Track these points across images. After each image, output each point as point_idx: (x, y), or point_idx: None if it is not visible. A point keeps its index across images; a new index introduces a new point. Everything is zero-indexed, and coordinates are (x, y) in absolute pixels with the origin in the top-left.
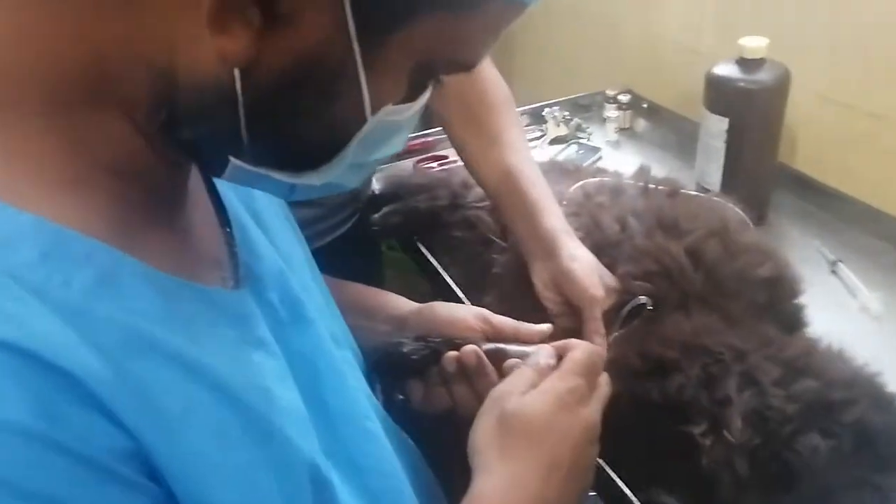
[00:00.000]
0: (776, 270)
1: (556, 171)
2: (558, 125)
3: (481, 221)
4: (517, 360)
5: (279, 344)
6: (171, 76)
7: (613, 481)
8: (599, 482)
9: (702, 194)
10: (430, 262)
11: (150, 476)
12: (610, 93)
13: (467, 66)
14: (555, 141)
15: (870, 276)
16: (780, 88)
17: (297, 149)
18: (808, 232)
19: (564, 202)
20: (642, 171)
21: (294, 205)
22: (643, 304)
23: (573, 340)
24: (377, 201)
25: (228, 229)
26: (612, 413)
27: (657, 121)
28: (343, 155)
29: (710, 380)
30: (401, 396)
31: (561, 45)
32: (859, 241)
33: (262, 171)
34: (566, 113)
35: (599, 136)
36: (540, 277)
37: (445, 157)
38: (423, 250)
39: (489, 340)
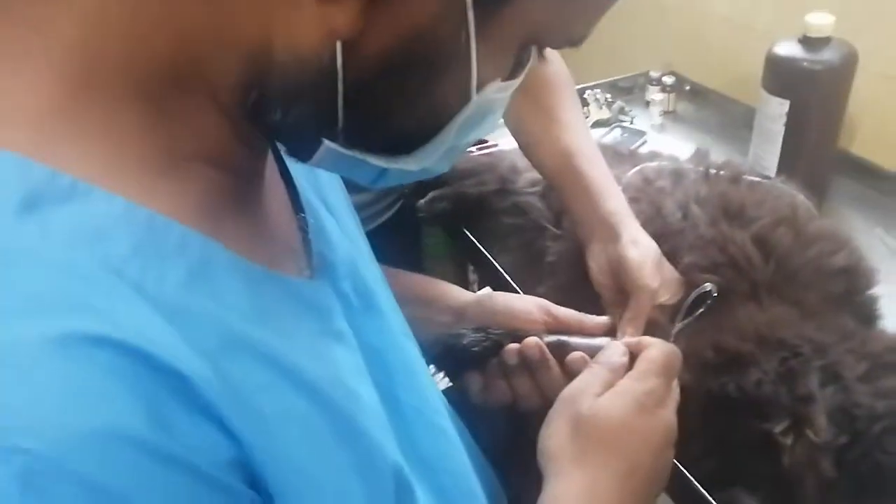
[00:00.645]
0: (851, 259)
1: (609, 155)
2: (601, 108)
3: (533, 207)
4: (581, 353)
5: (356, 336)
6: (264, 55)
7: (687, 481)
8: (671, 481)
9: (765, 180)
10: (480, 251)
11: (250, 484)
12: (653, 74)
13: (575, 40)
14: (597, 124)
15: None
16: (846, 69)
17: (396, 131)
18: (869, 219)
19: (622, 187)
20: (699, 155)
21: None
22: (709, 291)
23: (648, 338)
24: (422, 187)
25: (302, 215)
26: (686, 408)
27: (702, 103)
28: (443, 137)
29: (789, 374)
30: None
31: (602, 23)
32: None
33: (356, 154)
34: (608, 95)
35: (643, 120)
36: (596, 261)
37: (485, 141)
38: (473, 239)
39: (551, 332)
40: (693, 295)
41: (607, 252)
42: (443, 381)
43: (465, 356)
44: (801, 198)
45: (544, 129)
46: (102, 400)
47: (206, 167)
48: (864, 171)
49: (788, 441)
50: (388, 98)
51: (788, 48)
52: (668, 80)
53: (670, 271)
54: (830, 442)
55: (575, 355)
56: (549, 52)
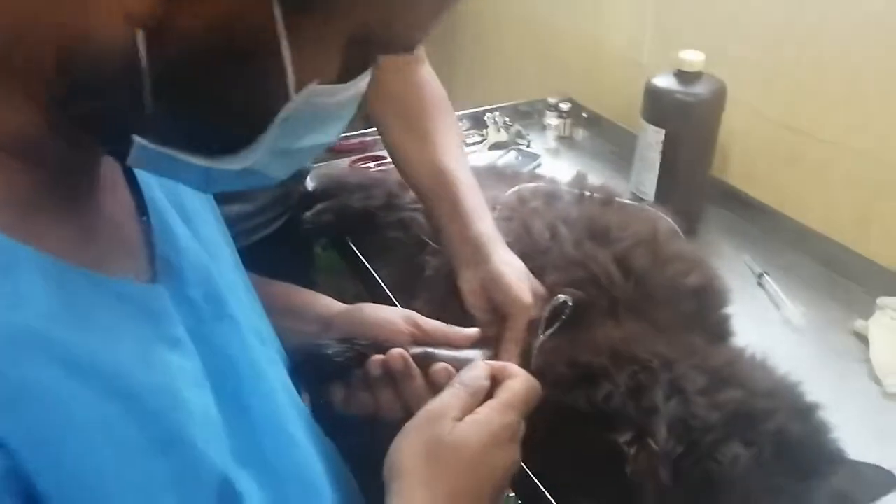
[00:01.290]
0: (704, 280)
1: (494, 176)
2: (499, 130)
3: (415, 223)
4: (445, 365)
5: (200, 343)
6: (68, 44)
7: (539, 491)
8: (525, 492)
9: (635, 203)
10: (362, 263)
11: (26, 497)
12: (551, 101)
13: (406, 46)
14: (494, 146)
15: (794, 289)
16: (715, 102)
17: (210, 126)
18: (737, 244)
19: (499, 206)
20: (579, 178)
21: (222, 201)
22: (564, 301)
23: (512, 366)
24: (310, 199)
25: (145, 218)
26: (539, 422)
27: (597, 130)
28: (264, 137)
29: (637, 388)
30: (322, 400)
31: (504, 51)
32: (785, 255)
33: (169, 151)
34: (507, 119)
35: (539, 144)
36: (468, 284)
37: (383, 158)
38: (355, 251)
39: (418, 344)
40: (549, 307)
41: (478, 274)
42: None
43: (328, 366)
44: (665, 221)
45: (419, 151)
46: None
47: (17, 163)
48: (735, 200)
49: (632, 451)
50: (198, 92)
51: (664, 81)
52: (565, 106)
53: (538, 287)
54: (669, 451)
55: (438, 367)
56: (427, 73)
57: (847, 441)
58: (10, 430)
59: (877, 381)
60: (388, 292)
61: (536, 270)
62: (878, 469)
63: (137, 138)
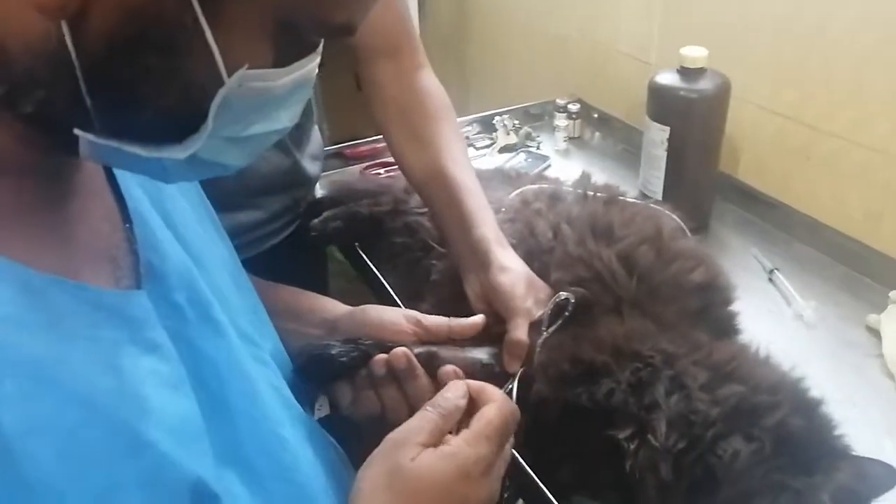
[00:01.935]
0: (708, 276)
1: (499, 178)
2: (508, 133)
3: (422, 227)
4: (453, 366)
5: (183, 346)
6: (4, 45)
7: (538, 486)
8: (525, 487)
9: (639, 202)
10: (370, 268)
11: None
12: (560, 102)
13: (340, 28)
14: (504, 149)
15: (805, 285)
16: (719, 97)
17: (149, 116)
18: (747, 240)
19: (503, 209)
20: (583, 178)
21: (230, 209)
22: (566, 298)
23: (491, 391)
24: (318, 206)
25: (129, 225)
26: (540, 418)
27: (606, 130)
28: (206, 124)
29: (639, 384)
30: (317, 405)
31: (512, 54)
32: (796, 250)
33: (114, 143)
34: (516, 121)
35: (549, 145)
36: (472, 288)
37: (393, 164)
38: (363, 256)
39: (422, 343)
40: (551, 304)
41: (479, 280)
42: (323, 408)
43: (332, 367)
44: (670, 218)
45: (421, 156)
46: None
47: None
48: (745, 196)
49: (632, 446)
50: (130, 81)
51: (667, 78)
52: (574, 107)
53: (542, 288)
54: (670, 447)
55: (446, 369)
56: (430, 80)
57: (860, 436)
58: None
59: (890, 375)
60: (395, 297)
61: (540, 270)
62: (882, 465)
63: (81, 133)
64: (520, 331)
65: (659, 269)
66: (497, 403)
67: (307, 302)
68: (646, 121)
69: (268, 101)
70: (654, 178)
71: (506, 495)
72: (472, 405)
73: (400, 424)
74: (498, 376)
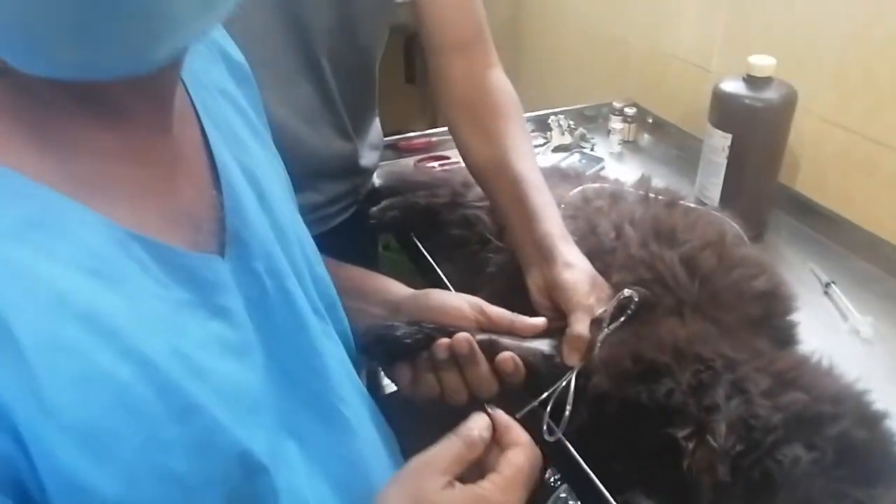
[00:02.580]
0: (771, 285)
1: (557, 176)
2: (563, 133)
3: (480, 220)
4: (511, 353)
5: (258, 315)
6: None
7: (590, 478)
8: (578, 482)
9: (700, 207)
10: (426, 259)
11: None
12: (616, 105)
13: None
14: (558, 149)
15: (862, 300)
16: (785, 108)
17: None
18: (804, 253)
19: (563, 205)
20: (643, 180)
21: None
22: (629, 296)
23: (517, 430)
24: (377, 195)
25: (217, 192)
26: (599, 414)
27: (661, 135)
28: None
29: (699, 386)
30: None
31: (570, 54)
32: (853, 265)
33: None
34: (571, 122)
35: (603, 147)
36: (535, 283)
37: (447, 158)
38: (420, 246)
39: (483, 331)
40: (614, 301)
41: (543, 275)
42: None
43: (396, 347)
44: (730, 225)
45: (487, 152)
46: None
47: (75, 129)
48: (803, 208)
49: (690, 446)
50: None
51: (733, 86)
52: (630, 110)
53: (605, 287)
54: (728, 449)
55: (505, 355)
56: (500, 77)
57: None
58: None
59: None
60: (451, 288)
61: (602, 270)
62: None
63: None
64: (581, 325)
65: (721, 275)
66: (525, 449)
67: (372, 282)
68: (707, 127)
69: None
70: (713, 184)
71: (552, 480)
72: (497, 437)
73: (458, 408)
74: (557, 368)
